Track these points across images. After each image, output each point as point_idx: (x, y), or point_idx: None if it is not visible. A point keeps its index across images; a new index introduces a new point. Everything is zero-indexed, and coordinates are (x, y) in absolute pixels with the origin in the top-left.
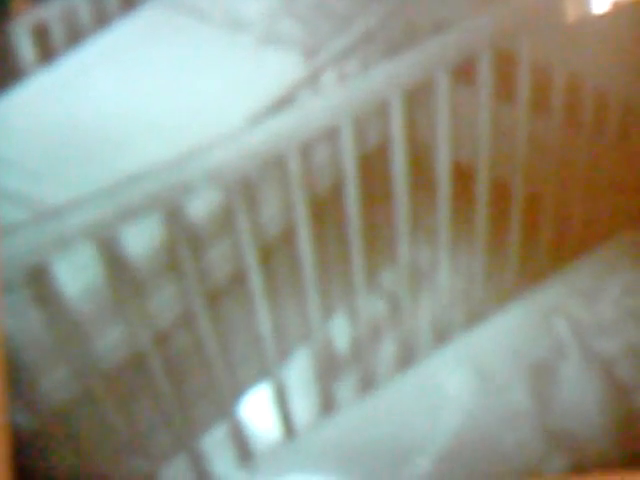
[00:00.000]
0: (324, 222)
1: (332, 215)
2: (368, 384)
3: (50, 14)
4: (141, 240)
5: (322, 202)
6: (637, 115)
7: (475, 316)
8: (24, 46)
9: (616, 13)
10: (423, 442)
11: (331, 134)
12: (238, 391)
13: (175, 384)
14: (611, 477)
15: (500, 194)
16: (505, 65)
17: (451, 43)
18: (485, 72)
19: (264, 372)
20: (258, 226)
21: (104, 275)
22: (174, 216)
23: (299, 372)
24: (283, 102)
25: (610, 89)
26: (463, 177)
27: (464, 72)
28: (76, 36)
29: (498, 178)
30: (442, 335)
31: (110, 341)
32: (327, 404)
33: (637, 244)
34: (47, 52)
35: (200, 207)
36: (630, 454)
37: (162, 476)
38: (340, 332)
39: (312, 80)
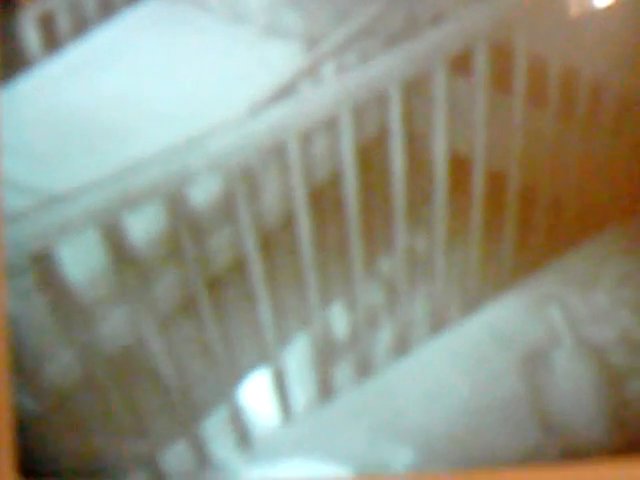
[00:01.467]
0: (323, 210)
1: (331, 203)
2: (365, 370)
3: (56, 4)
4: (144, 226)
5: (321, 190)
6: (633, 107)
7: (471, 304)
8: (30, 36)
9: (616, 6)
10: (417, 428)
11: (330, 123)
12: (238, 376)
13: (177, 369)
14: (605, 464)
15: (496, 184)
16: (502, 57)
17: (450, 34)
18: (481, 63)
19: (263, 357)
20: (258, 213)
21: (108, 261)
22: (176, 203)
23: (298, 357)
24: (284, 92)
25: (606, 81)
26: (460, 166)
27: (462, 64)
28: (81, 26)
29: (494, 168)
30: (438, 322)
31: (113, 325)
32: (325, 389)
33: (631, 234)
34: (53, 42)
35: (202, 194)
36: (623, 441)
37: (163, 459)
38: (338, 318)
39: (312, 70)
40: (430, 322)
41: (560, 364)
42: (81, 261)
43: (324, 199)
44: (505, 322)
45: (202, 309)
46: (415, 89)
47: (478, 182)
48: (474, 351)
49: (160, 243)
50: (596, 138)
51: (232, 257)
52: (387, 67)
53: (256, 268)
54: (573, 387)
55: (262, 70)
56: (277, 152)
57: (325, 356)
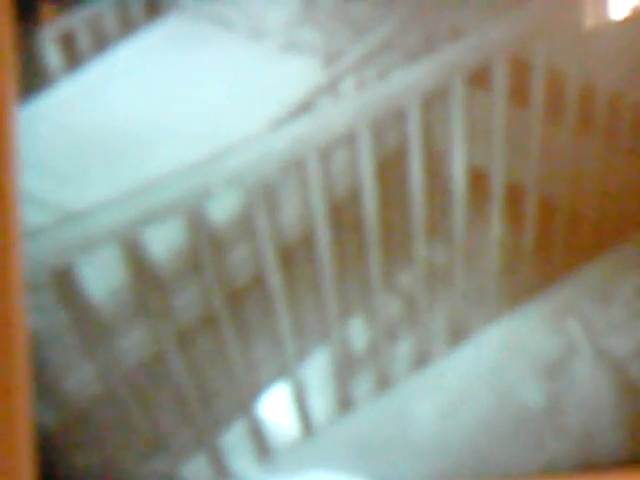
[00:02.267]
0: (342, 224)
1: (350, 217)
2: (384, 383)
3: (77, 22)
4: (164, 243)
5: (340, 205)
6: None
7: (490, 316)
8: (51, 53)
9: (632, 17)
10: (437, 440)
11: (350, 139)
12: (258, 389)
13: (196, 383)
14: (622, 474)
15: (515, 197)
16: (520, 71)
17: (467, 49)
18: (500, 78)
19: (283, 371)
20: (278, 228)
21: (128, 277)
22: (196, 219)
23: (317, 371)
24: (303, 108)
25: (624, 93)
26: (479, 180)
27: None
28: (102, 44)
29: (513, 181)
30: (457, 335)
31: (134, 341)
32: (344, 402)
33: None
34: (74, 59)
35: (222, 210)
36: None
37: (183, 473)
38: (357, 332)
39: (331, 86)
40: (449, 335)
41: (578, 375)
42: (101, 277)
43: (343, 214)
44: (524, 334)
45: (222, 324)
46: (434, 104)
47: (497, 196)
48: (493, 363)
49: (180, 259)
50: (614, 151)
51: (252, 272)
52: (406, 82)
53: (275, 283)
54: (591, 398)
55: (281, 86)
56: (296, 167)
57: (344, 369)
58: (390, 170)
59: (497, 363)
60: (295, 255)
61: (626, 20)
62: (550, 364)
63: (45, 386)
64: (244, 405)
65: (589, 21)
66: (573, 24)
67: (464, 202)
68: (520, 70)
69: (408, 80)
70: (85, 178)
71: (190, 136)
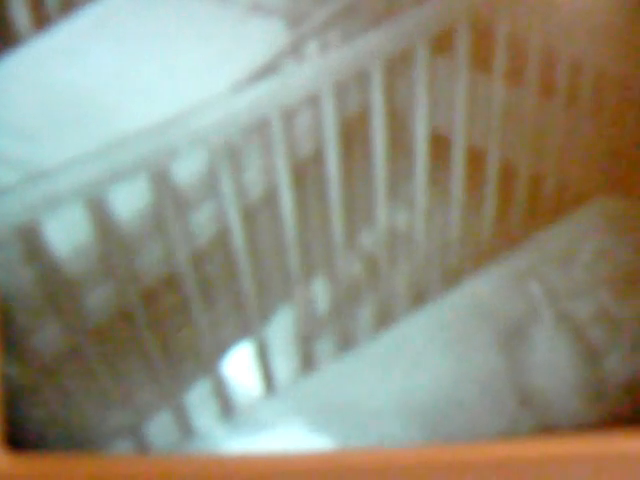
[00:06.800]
0: (305, 185)
1: (313, 178)
2: (347, 343)
3: None
4: (129, 201)
5: (304, 166)
6: (613, 83)
7: (451, 279)
8: (19, 14)
9: None
10: (397, 401)
11: (313, 101)
12: (221, 348)
13: (161, 341)
14: (581, 438)
15: (475, 160)
16: (484, 36)
17: (432, 14)
18: (463, 43)
19: (246, 330)
20: (242, 188)
21: (93, 234)
22: (160, 178)
23: (280, 331)
24: (266, 70)
25: (587, 59)
26: (441, 144)
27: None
28: (70, 5)
29: (474, 145)
30: (419, 298)
31: (99, 298)
32: (307, 362)
33: (610, 210)
34: (41, 20)
35: (186, 170)
36: (599, 415)
37: (147, 428)
38: (320, 292)
39: (295, 49)
40: (410, 297)
41: (539, 339)
42: (67, 235)
43: (306, 175)
44: (485, 297)
45: (186, 283)
46: (397, 68)
47: (458, 159)
48: (454, 325)
49: (145, 218)
50: (575, 115)
51: (216, 232)
52: (369, 46)
53: (239, 242)
54: (551, 362)
55: (245, 48)
56: (260, 128)
57: (307, 329)
58: (353, 132)
59: (458, 325)
60: (258, 215)
61: None
62: (511, 327)
63: (11, 342)
64: (208, 364)
65: None
66: None
67: (426, 165)
68: (483, 35)
69: (372, 43)
70: (52, 136)
71: (155, 97)
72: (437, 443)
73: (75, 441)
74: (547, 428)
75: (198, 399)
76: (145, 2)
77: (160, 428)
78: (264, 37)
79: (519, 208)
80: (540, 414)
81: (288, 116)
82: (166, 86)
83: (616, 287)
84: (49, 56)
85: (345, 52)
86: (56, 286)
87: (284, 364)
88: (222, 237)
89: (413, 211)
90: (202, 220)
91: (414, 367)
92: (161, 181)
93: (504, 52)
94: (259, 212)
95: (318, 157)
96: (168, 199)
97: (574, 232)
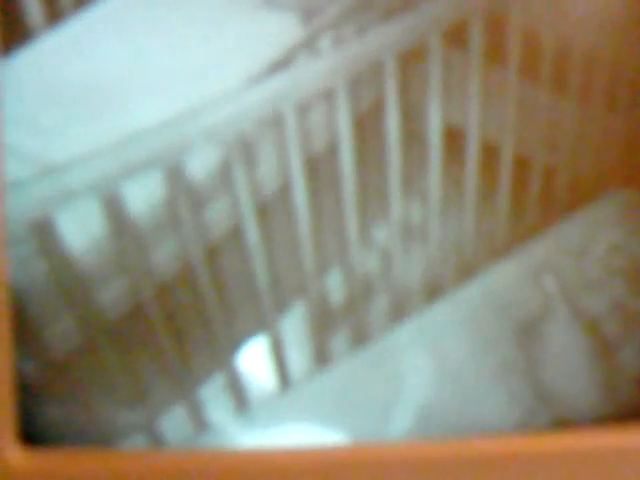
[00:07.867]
0: (320, 179)
1: (327, 172)
2: (362, 337)
3: None
4: (143, 196)
5: (318, 160)
6: (627, 77)
7: (465, 272)
8: (32, 9)
9: None
10: (413, 396)
11: (327, 95)
12: (236, 343)
13: (175, 335)
14: (595, 431)
15: (490, 154)
16: (497, 30)
17: (445, 8)
18: (476, 36)
19: (261, 324)
20: (256, 183)
21: (108, 229)
22: (174, 173)
23: (295, 325)
24: (280, 64)
25: (601, 52)
26: (455, 137)
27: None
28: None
29: (489, 138)
30: (433, 291)
31: (113, 292)
32: (322, 356)
33: (624, 203)
34: (55, 15)
35: (200, 165)
36: (614, 409)
37: (160, 424)
38: (334, 286)
39: (309, 43)
40: (425, 291)
41: (554, 332)
42: (81, 230)
43: (320, 169)
44: (500, 290)
45: (200, 277)
46: (411, 61)
47: (472, 152)
48: (469, 319)
49: (159, 212)
50: (590, 109)
51: (230, 227)
52: (383, 40)
53: (253, 237)
54: (566, 355)
55: (259, 43)
56: (274, 123)
57: (322, 323)
58: (367, 126)
59: (472, 318)
60: (272, 210)
61: None
62: (525, 321)
63: (26, 337)
64: (222, 358)
65: None
66: None
67: (440, 158)
68: (497, 28)
69: (386, 37)
70: (65, 131)
71: (169, 91)
72: (452, 437)
73: (89, 436)
74: (562, 421)
75: (212, 394)
76: None
77: (174, 423)
78: (278, 31)
79: (533, 201)
80: (555, 407)
81: (302, 110)
82: (179, 81)
83: (630, 280)
84: (62, 51)
85: (359, 46)
86: (70, 281)
87: (298, 358)
88: (236, 232)
89: (427, 205)
90: (216, 215)
91: (428, 360)
92: (175, 176)
93: (518, 45)
94: (273, 207)
95: (332, 151)
96: (182, 194)
97: (588, 225)
